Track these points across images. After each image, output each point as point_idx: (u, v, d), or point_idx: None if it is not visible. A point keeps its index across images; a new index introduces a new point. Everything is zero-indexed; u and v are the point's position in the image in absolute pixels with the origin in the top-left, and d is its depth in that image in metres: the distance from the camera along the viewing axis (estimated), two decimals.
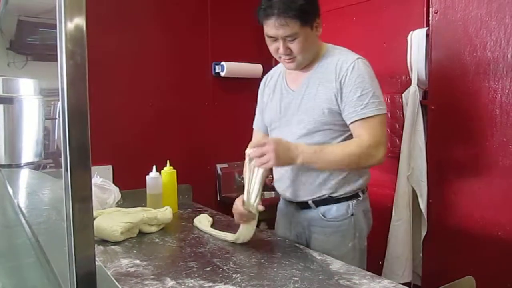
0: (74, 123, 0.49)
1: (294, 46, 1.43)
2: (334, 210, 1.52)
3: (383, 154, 1.40)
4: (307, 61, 1.50)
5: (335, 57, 1.48)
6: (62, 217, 1.00)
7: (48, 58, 2.18)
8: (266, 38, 1.47)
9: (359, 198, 1.53)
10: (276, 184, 1.65)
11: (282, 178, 1.59)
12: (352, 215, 1.51)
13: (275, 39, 1.43)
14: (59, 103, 0.52)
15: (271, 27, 1.41)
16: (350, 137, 1.46)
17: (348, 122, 1.44)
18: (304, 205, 1.56)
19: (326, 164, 1.42)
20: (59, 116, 2.10)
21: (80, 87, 0.50)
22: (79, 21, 0.49)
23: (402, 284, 1.15)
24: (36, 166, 2.21)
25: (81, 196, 0.51)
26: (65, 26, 0.48)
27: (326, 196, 1.51)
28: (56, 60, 0.51)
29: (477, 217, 1.77)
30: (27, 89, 2.32)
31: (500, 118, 1.67)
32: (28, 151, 2.25)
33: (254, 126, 1.79)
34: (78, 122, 0.50)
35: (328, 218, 1.52)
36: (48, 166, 2.19)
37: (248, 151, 1.41)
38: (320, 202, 1.53)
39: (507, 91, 1.64)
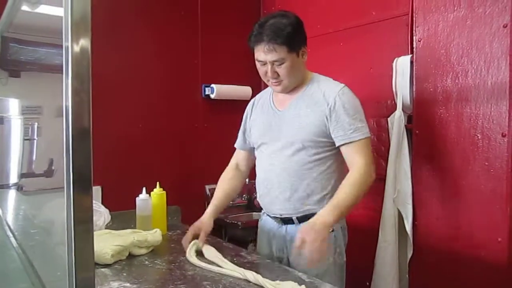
0: (77, 148, 0.52)
1: (281, 70, 1.56)
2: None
3: (374, 170, 1.56)
4: (293, 85, 1.63)
5: (322, 84, 1.63)
6: (55, 240, 1.01)
7: (26, 75, 2.22)
8: (256, 62, 1.60)
9: None
10: (260, 200, 1.75)
11: (267, 194, 1.69)
12: (332, 231, 1.60)
13: (264, 63, 1.56)
14: (65, 121, 0.54)
15: (261, 52, 1.55)
16: (331, 155, 1.61)
17: (337, 144, 1.57)
18: (287, 221, 1.66)
19: (350, 206, 1.50)
20: (38, 137, 2.09)
21: (84, 118, 0.52)
22: (85, 62, 0.51)
23: None
24: (19, 187, 2.20)
25: (83, 218, 0.53)
26: (72, 65, 0.51)
27: (309, 212, 1.59)
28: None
29: (461, 239, 1.81)
30: (13, 108, 2.33)
31: (481, 143, 1.73)
32: (15, 171, 2.25)
33: (236, 146, 1.92)
34: (81, 146, 0.52)
35: None
36: (23, 188, 2.18)
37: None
38: (303, 218, 1.61)
39: (488, 117, 1.70)
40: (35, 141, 2.25)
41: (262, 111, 1.78)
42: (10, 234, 1.11)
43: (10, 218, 1.39)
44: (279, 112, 1.69)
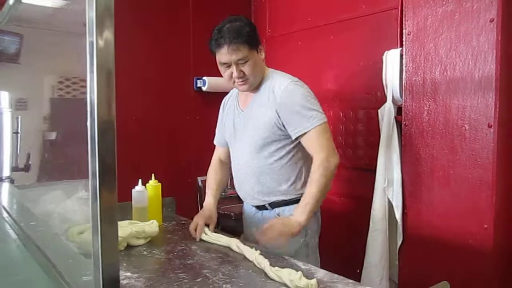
0: (103, 140, 0.54)
1: (246, 68, 1.64)
2: (287, 210, 1.73)
3: (336, 160, 1.63)
4: (258, 82, 1.72)
5: (274, 81, 1.70)
6: (59, 230, 1.04)
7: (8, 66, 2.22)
8: (219, 66, 1.68)
9: None
10: (237, 191, 1.88)
11: (240, 188, 1.85)
12: None
13: (228, 65, 1.64)
14: (89, 114, 0.56)
15: (224, 55, 1.62)
16: (293, 147, 1.70)
17: (293, 137, 1.65)
18: (261, 207, 1.80)
19: (319, 201, 1.62)
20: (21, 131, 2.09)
21: (110, 110, 0.55)
22: (110, 55, 0.54)
23: None
24: (11, 180, 2.20)
25: (109, 207, 0.56)
26: (96, 59, 0.53)
27: (280, 199, 1.73)
28: None
29: (450, 227, 1.87)
30: (4, 101, 2.32)
31: (469, 133, 1.79)
32: (7, 164, 2.25)
33: (215, 142, 2.03)
34: (106, 138, 0.55)
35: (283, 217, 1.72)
36: (14, 181, 2.19)
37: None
38: (275, 204, 1.75)
39: (475, 108, 1.76)
40: (18, 134, 2.25)
41: (229, 111, 1.89)
42: (15, 226, 1.13)
43: (12, 211, 1.40)
44: (242, 112, 1.79)
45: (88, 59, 0.55)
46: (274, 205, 1.76)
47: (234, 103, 1.86)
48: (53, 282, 0.76)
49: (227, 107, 1.94)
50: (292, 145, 1.70)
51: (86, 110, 0.57)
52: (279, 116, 1.65)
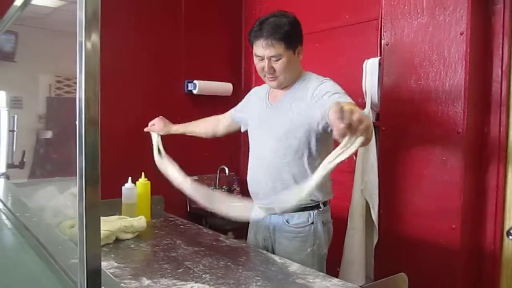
0: (88, 137, 0.64)
1: (278, 66, 1.65)
2: (296, 217, 1.71)
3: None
4: (288, 82, 1.72)
5: (310, 80, 1.70)
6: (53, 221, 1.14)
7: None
8: (254, 57, 1.70)
9: (319, 209, 1.72)
10: (250, 186, 1.84)
11: (257, 178, 1.79)
12: (312, 223, 1.70)
13: (262, 58, 1.65)
14: (78, 112, 0.65)
15: (259, 47, 1.64)
16: (314, 150, 1.66)
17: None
18: (271, 211, 1.75)
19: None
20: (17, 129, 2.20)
21: (94, 109, 0.64)
22: (96, 57, 0.63)
23: None
24: (7, 177, 2.30)
25: (92, 203, 0.65)
26: (85, 60, 0.63)
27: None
28: None
29: (422, 226, 1.99)
30: (1, 100, 2.42)
31: (440, 139, 1.90)
32: (3, 162, 2.35)
33: (225, 114, 2.09)
34: (91, 136, 0.64)
35: (291, 224, 1.71)
36: (9, 178, 2.29)
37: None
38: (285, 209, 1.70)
39: (445, 115, 1.88)
40: (15, 132, 2.35)
41: (257, 103, 1.87)
42: (11, 216, 1.23)
43: (7, 203, 1.50)
44: (270, 106, 1.78)
45: (77, 59, 0.64)
46: (284, 209, 1.70)
47: (263, 97, 1.84)
48: (44, 263, 0.86)
49: (253, 95, 1.95)
50: (313, 148, 1.66)
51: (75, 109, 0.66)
52: (313, 103, 1.59)
